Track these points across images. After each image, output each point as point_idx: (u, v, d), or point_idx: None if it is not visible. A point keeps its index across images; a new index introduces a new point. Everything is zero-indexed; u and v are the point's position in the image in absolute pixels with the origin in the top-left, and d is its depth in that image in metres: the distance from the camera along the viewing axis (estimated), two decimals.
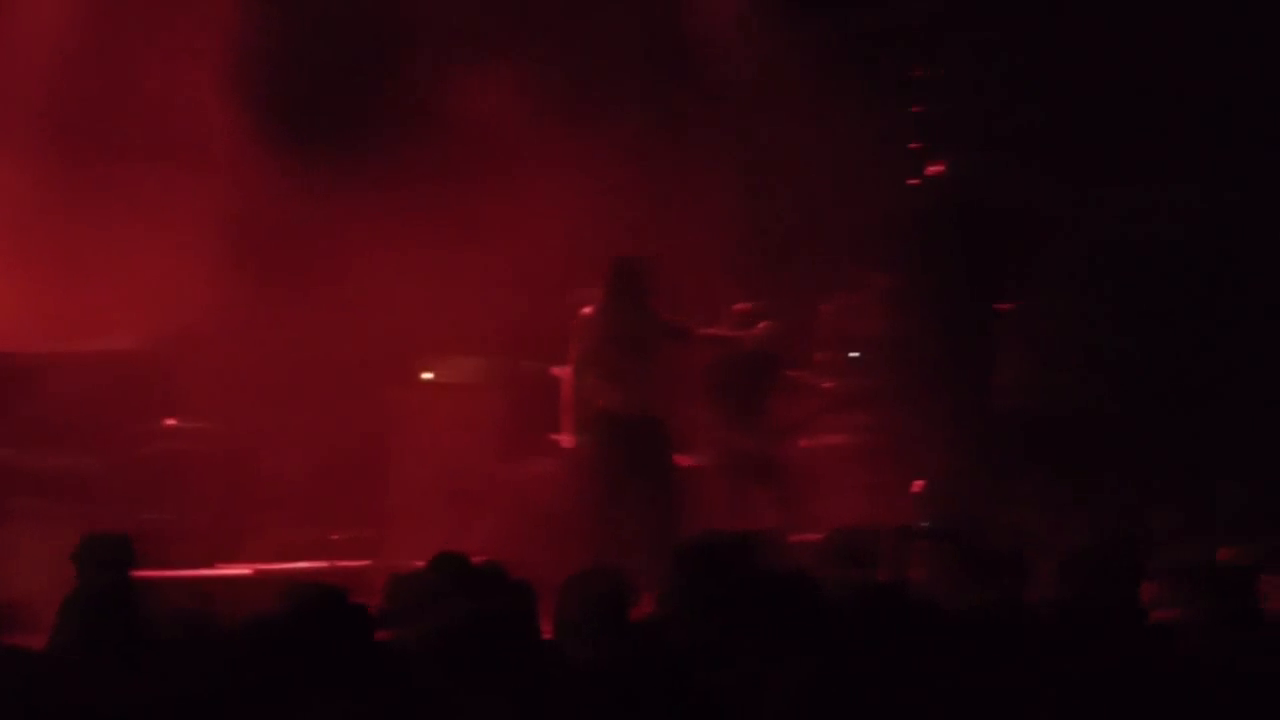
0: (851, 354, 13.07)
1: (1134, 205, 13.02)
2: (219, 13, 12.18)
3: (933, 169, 12.77)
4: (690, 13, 13.05)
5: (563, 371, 11.46)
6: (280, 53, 12.17)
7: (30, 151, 11.74)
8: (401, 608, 7.69)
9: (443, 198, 12.30)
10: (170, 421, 11.87)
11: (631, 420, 11.14)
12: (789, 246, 13.56)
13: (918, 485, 10.75)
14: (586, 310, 11.25)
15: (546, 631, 7.08)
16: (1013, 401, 12.43)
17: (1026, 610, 7.36)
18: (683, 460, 11.59)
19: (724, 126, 13.55)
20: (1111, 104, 12.95)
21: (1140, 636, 6.52)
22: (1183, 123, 13.02)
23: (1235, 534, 9.04)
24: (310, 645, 5.63)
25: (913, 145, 13.01)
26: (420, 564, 7.90)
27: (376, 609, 7.54)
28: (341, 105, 12.70)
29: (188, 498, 11.83)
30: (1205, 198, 13.04)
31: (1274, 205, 13.08)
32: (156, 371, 11.94)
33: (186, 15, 12.19)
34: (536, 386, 12.76)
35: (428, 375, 12.61)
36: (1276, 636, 6.78)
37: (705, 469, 11.73)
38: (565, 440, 11.36)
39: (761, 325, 12.03)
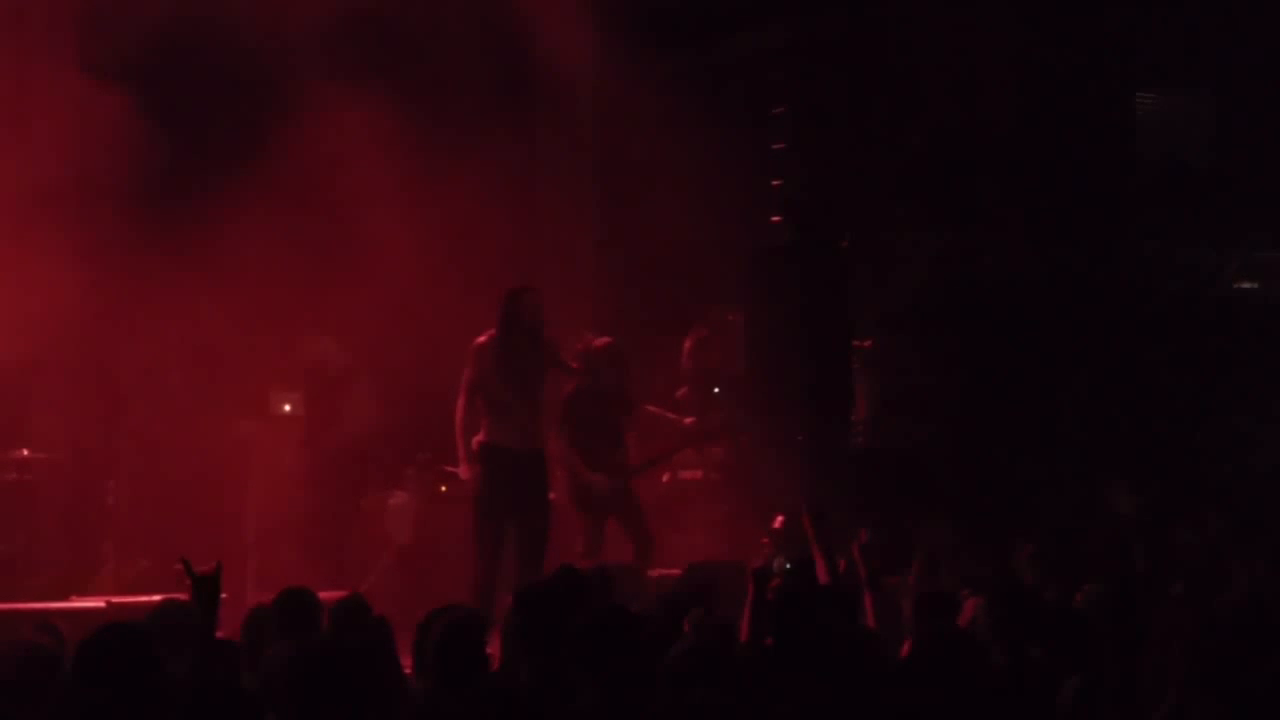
0: (711, 389, 13.11)
1: (974, 246, 13.17)
2: (69, 37, 12.06)
3: (791, 205, 12.86)
4: (551, 47, 13.06)
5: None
6: (143, 80, 12.05)
7: None
8: (253, 641, 7.66)
9: (298, 232, 12.25)
10: (23, 452, 11.72)
11: (516, 453, 11.13)
12: (647, 280, 13.60)
13: (778, 521, 10.79)
14: (480, 340, 11.21)
15: (407, 665, 7.07)
16: (862, 437, 12.54)
17: (877, 645, 7.42)
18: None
19: (580, 164, 13.59)
20: (961, 143, 13.10)
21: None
22: (1019, 165, 13.22)
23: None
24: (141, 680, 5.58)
25: (773, 182, 13.08)
26: (271, 597, 7.86)
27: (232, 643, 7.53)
28: (199, 136, 12.60)
29: (39, 529, 11.70)
30: (1037, 240, 13.25)
31: (1102, 246, 13.34)
32: (7, 403, 11.79)
33: (35, 36, 12.06)
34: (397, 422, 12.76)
35: (286, 408, 12.56)
36: None
37: (561, 503, 11.72)
38: (462, 471, 11.30)
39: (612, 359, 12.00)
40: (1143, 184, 13.96)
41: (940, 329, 12.68)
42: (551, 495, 11.45)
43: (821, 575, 8.55)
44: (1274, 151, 14.53)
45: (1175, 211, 13.93)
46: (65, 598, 11.18)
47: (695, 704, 5.59)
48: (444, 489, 12.45)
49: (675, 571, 10.20)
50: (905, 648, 7.22)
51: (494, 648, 6.98)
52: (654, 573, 11.17)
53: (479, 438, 11.15)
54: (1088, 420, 12.71)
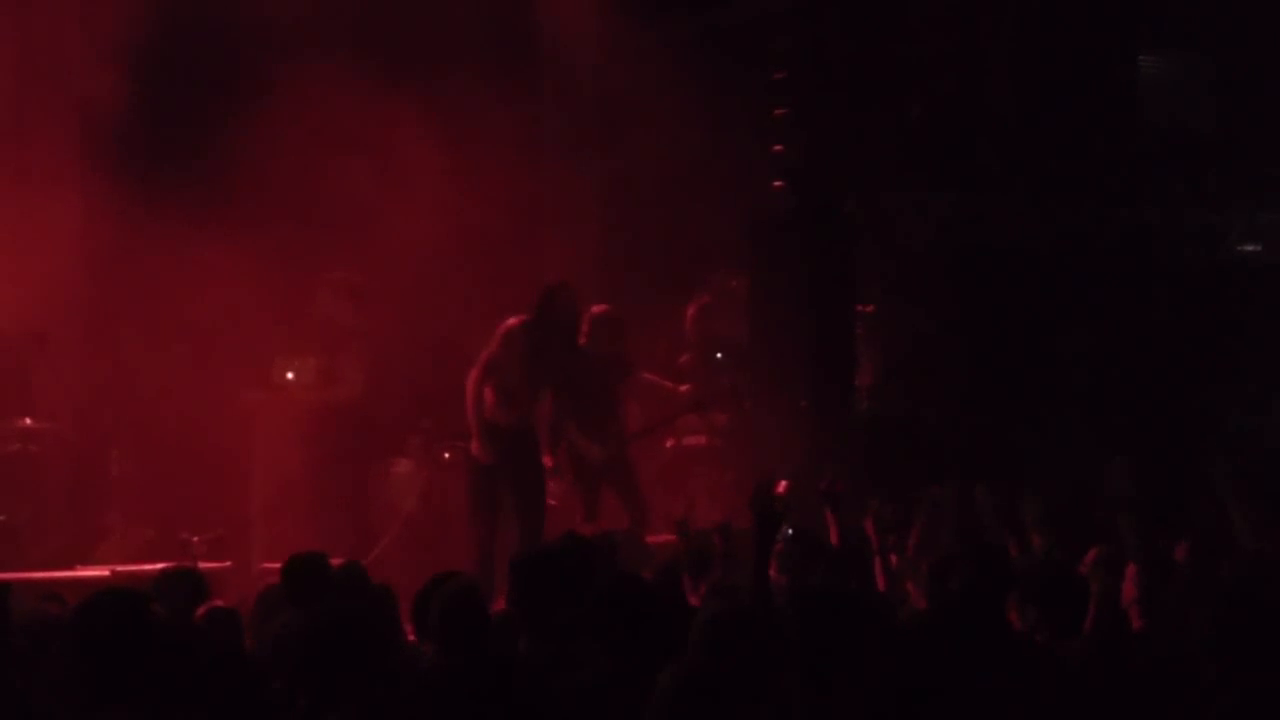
0: (713, 355, 13.10)
1: (977, 212, 13.16)
2: (50, 28, 12.09)
3: (793, 171, 12.84)
4: (550, 17, 13.05)
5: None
6: (126, 67, 12.03)
7: None
8: (261, 609, 7.68)
9: (302, 199, 12.25)
10: (26, 421, 11.74)
11: (510, 429, 11.20)
12: (649, 248, 13.59)
13: (781, 486, 10.79)
14: (512, 323, 11.24)
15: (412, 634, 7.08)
16: (869, 403, 12.54)
17: (889, 611, 7.44)
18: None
19: (584, 129, 13.56)
20: (965, 107, 13.09)
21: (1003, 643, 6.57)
22: (1022, 131, 13.21)
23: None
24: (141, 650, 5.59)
25: (775, 148, 13.06)
26: (279, 565, 7.88)
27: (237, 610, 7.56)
28: (204, 104, 12.60)
29: (44, 499, 11.72)
30: (1041, 206, 13.24)
31: (1103, 210, 13.34)
32: (10, 372, 11.80)
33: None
34: (401, 388, 12.76)
35: (290, 375, 12.55)
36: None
37: (560, 471, 11.75)
38: (473, 447, 11.35)
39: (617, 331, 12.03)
40: (1147, 148, 13.94)
41: (946, 294, 12.68)
42: (547, 461, 11.49)
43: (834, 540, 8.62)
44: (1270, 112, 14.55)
45: (1179, 175, 13.92)
46: (70, 567, 11.22)
47: (727, 672, 5.60)
48: (447, 455, 12.44)
49: (673, 538, 10.20)
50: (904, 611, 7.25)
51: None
52: (651, 539, 11.20)
53: (486, 416, 11.20)
54: (1093, 385, 12.71)
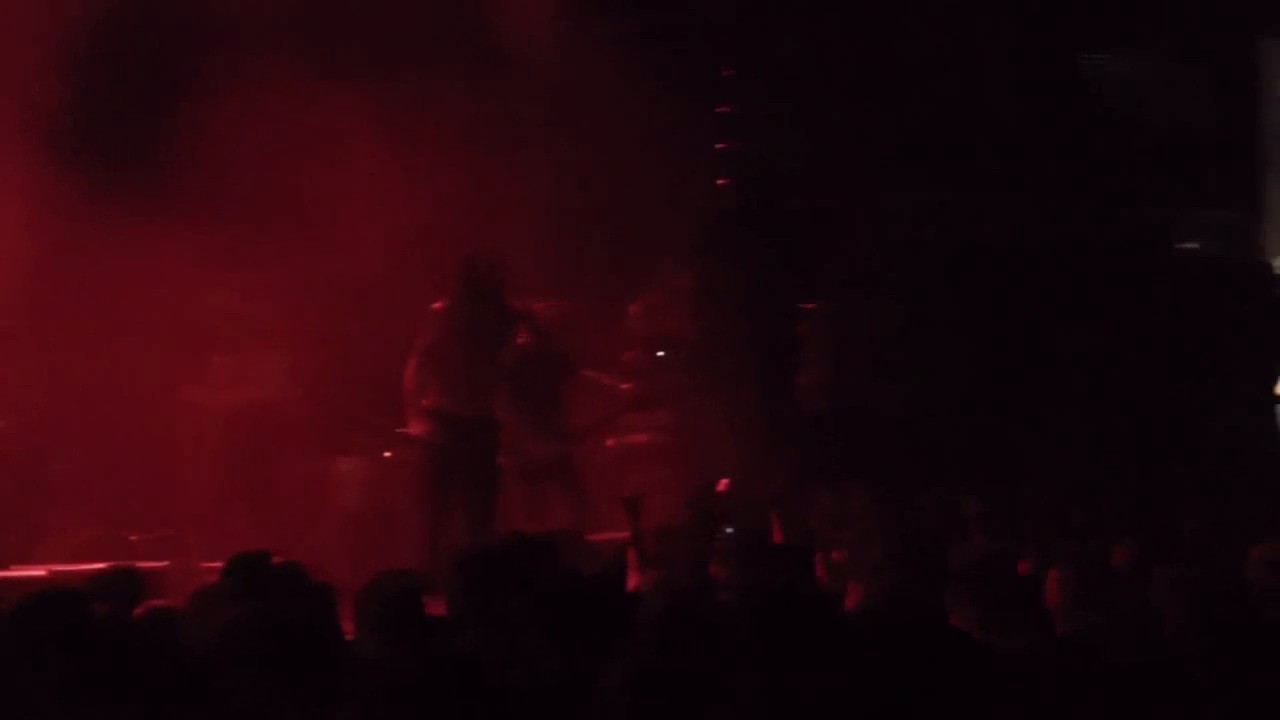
0: (657, 353, 13.10)
1: (935, 206, 13.21)
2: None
3: (739, 168, 12.85)
4: (497, 9, 13.00)
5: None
6: (71, 62, 11.95)
7: None
8: (199, 609, 7.63)
9: (248, 196, 12.18)
10: None
11: (466, 419, 11.14)
12: (595, 245, 13.57)
13: (722, 484, 10.82)
14: (436, 306, 11.21)
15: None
16: (817, 400, 12.55)
17: (833, 608, 7.43)
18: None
19: (529, 125, 13.53)
20: (917, 106, 13.12)
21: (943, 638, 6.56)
22: (987, 127, 13.24)
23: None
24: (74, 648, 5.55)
25: (720, 145, 13.07)
26: (219, 564, 7.83)
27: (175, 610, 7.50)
28: (138, 102, 12.52)
29: None
30: (1006, 201, 13.28)
31: (1066, 206, 13.38)
32: None
33: None
34: (343, 383, 12.70)
35: (227, 375, 12.47)
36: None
37: (504, 469, 11.73)
38: (411, 429, 11.31)
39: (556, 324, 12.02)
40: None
41: (909, 289, 12.72)
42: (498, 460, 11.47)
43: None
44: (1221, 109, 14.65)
45: (1129, 172, 14.00)
46: (7, 567, 11.14)
47: (675, 667, 5.59)
48: (388, 454, 12.40)
49: (617, 536, 10.20)
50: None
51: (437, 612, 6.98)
52: (594, 538, 11.18)
53: (428, 402, 11.16)
54: (1086, 384, 12.75)
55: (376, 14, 12.86)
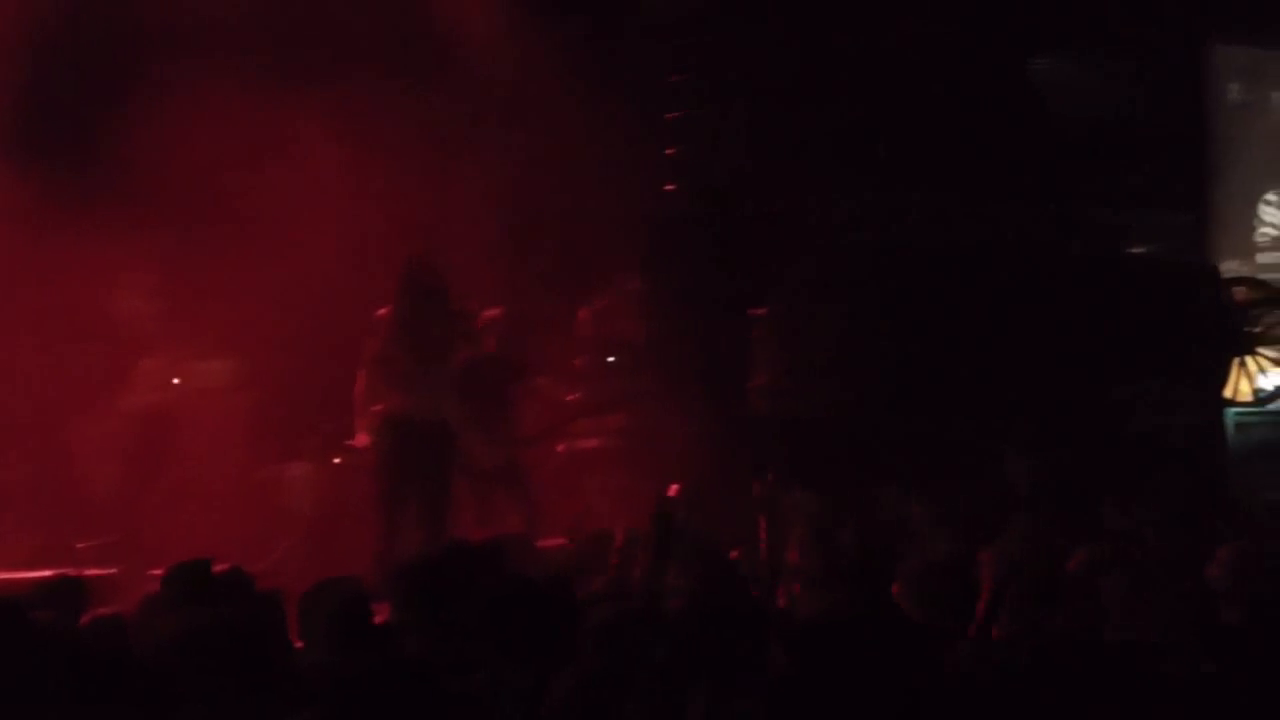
0: (607, 358, 13.10)
1: (887, 209, 13.23)
2: None
3: (688, 172, 12.87)
4: (444, 12, 12.99)
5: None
6: (17, 61, 11.91)
7: None
8: (145, 616, 7.59)
9: (196, 199, 12.15)
10: None
11: (419, 424, 11.11)
12: (546, 250, 13.57)
13: (673, 489, 10.81)
14: (384, 311, 11.18)
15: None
16: (766, 404, 12.56)
17: (781, 614, 7.45)
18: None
19: (478, 128, 13.51)
20: (860, 108, 13.15)
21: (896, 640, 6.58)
22: (929, 129, 13.27)
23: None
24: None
25: (669, 150, 13.09)
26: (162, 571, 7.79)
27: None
28: (80, 103, 12.47)
29: None
30: (950, 202, 13.32)
31: (1015, 208, 13.43)
32: None
33: None
34: (289, 388, 12.67)
35: (176, 380, 12.44)
36: None
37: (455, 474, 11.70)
38: (359, 440, 11.28)
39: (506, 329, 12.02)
40: (1081, 148, 14.08)
41: (863, 293, 12.74)
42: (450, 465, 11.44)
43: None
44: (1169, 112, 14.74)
45: (1078, 174, 14.05)
46: None
47: (620, 674, 5.59)
48: (338, 460, 12.37)
49: (566, 542, 10.18)
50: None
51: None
52: (543, 543, 11.17)
53: (378, 408, 11.13)
54: (999, 383, 12.79)
55: (324, 18, 12.83)
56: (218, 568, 7.81)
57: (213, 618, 5.85)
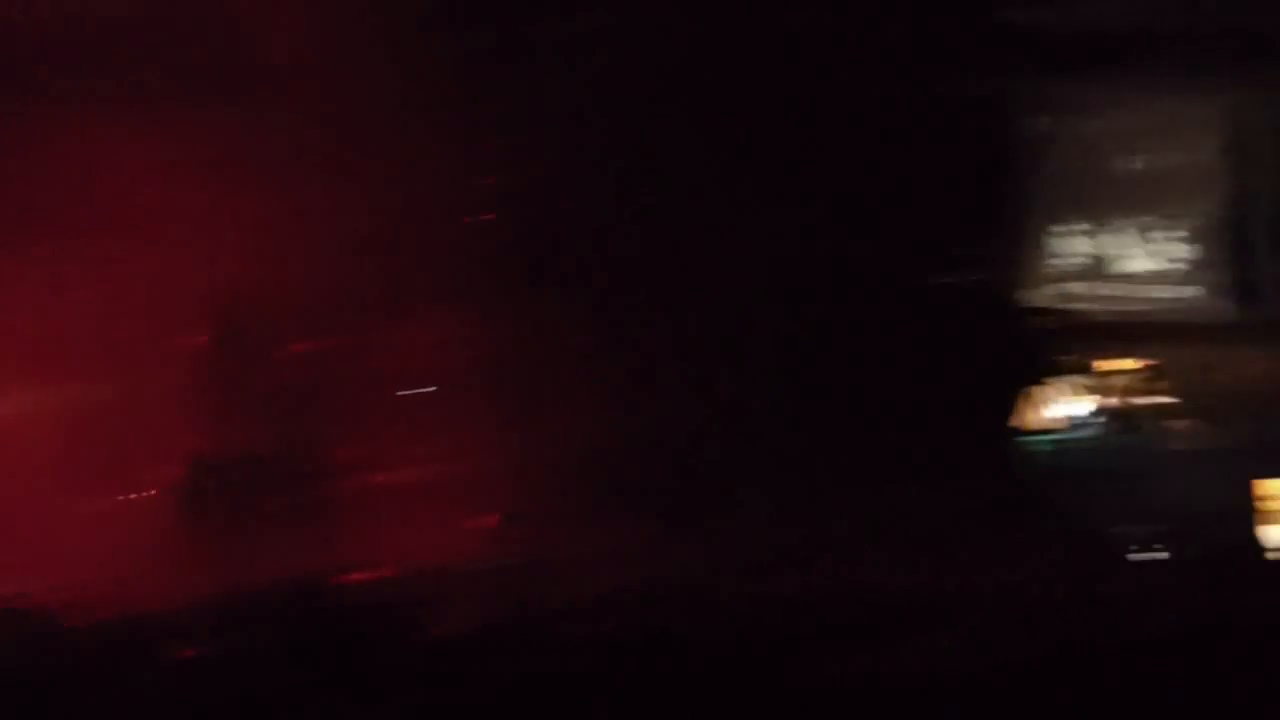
0: (429, 386, 13.12)
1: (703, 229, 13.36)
2: None
3: (510, 198, 12.94)
4: (266, 34, 12.94)
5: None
6: None
7: None
8: None
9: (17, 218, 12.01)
10: None
11: (229, 457, 11.11)
12: (364, 276, 13.54)
13: (492, 520, 10.88)
14: (196, 342, 11.16)
15: None
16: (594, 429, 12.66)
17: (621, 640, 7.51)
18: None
19: (301, 153, 13.47)
20: (681, 122, 13.29)
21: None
22: (748, 145, 13.43)
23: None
24: None
25: (504, 177, 13.15)
26: None
27: None
28: None
29: None
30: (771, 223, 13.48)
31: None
32: None
33: None
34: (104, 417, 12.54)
35: None
36: None
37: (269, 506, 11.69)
38: (171, 471, 11.24)
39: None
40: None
41: (683, 314, 12.86)
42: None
43: None
44: None
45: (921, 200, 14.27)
46: None
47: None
48: (154, 491, 12.26)
49: (388, 573, 10.22)
50: None
51: None
52: (364, 575, 11.18)
53: (192, 438, 11.10)
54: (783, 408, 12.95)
55: (141, 37, 12.73)
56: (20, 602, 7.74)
57: None
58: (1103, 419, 16.25)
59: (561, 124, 13.14)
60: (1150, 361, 18.03)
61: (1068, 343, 15.51)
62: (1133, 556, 10.51)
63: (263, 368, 11.37)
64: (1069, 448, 15.47)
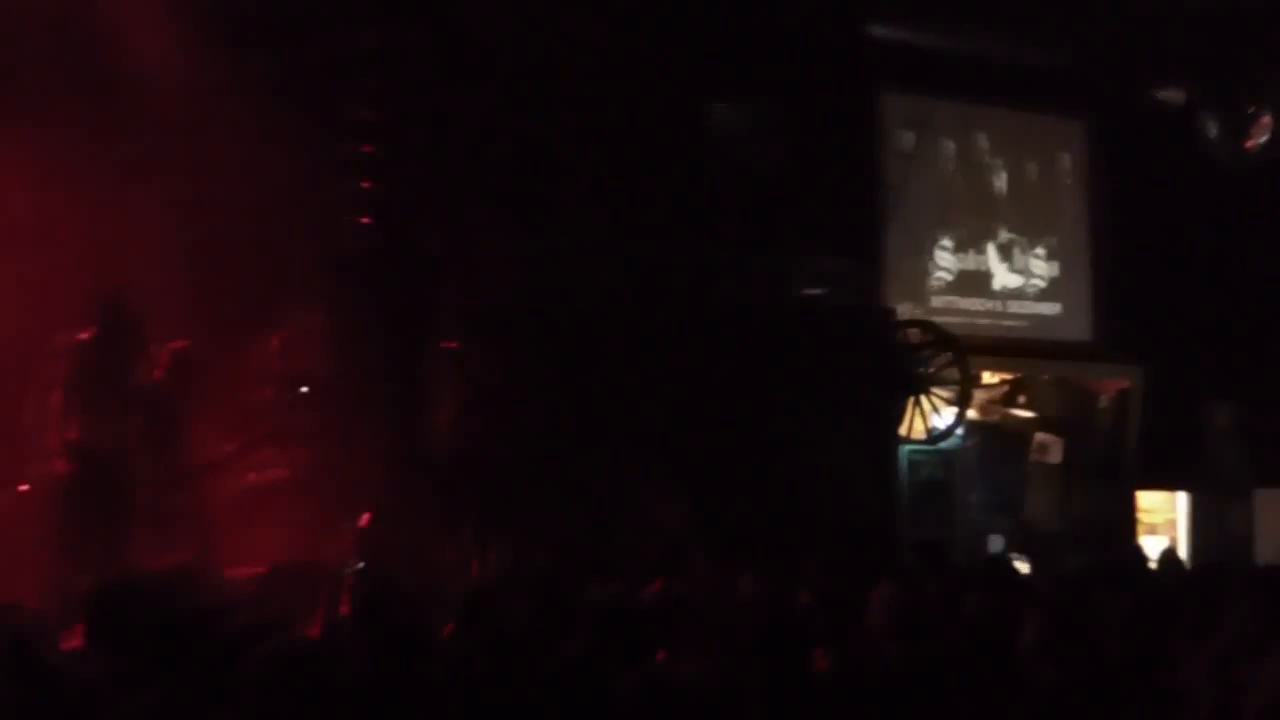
0: (296, 389, 13.14)
1: (554, 250, 13.46)
2: None
3: (378, 207, 12.99)
4: (129, 45, 12.92)
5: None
6: None
7: None
8: None
9: None
10: None
11: (101, 453, 11.11)
12: (233, 280, 13.54)
13: (364, 520, 10.93)
14: (69, 340, 11.17)
15: None
16: (447, 440, 12.71)
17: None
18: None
19: (167, 160, 13.46)
20: (543, 150, 13.37)
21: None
22: (598, 173, 13.56)
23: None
24: None
25: (364, 184, 13.17)
26: None
27: None
28: None
29: None
30: (624, 247, 13.61)
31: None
32: None
33: None
34: None
35: None
36: None
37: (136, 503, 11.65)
38: (37, 468, 11.22)
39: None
40: (716, 191, 14.41)
41: (527, 333, 12.94)
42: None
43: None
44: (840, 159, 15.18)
45: (748, 219, 14.42)
46: None
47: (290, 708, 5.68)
48: (24, 488, 12.22)
49: (257, 571, 10.22)
50: None
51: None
52: (228, 573, 11.19)
53: (70, 435, 11.10)
54: (652, 424, 13.07)
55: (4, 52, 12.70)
56: None
57: None
58: (965, 432, 16.52)
59: None
60: (1012, 376, 18.38)
61: (932, 357, 15.75)
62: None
63: (136, 367, 11.37)
64: (930, 459, 15.71)
